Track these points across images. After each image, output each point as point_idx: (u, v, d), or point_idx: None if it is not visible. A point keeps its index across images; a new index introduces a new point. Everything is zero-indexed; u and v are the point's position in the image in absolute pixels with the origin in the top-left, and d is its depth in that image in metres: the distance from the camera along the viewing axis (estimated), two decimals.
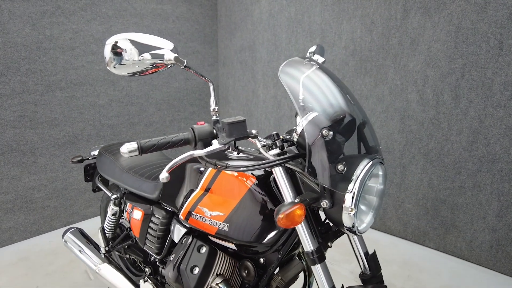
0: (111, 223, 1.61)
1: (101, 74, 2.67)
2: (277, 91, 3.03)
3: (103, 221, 1.98)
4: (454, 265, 2.16)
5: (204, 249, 1.04)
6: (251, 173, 1.00)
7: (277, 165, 0.81)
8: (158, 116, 3.13)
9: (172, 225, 1.27)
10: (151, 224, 1.34)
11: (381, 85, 2.40)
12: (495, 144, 1.99)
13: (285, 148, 0.89)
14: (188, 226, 1.18)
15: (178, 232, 1.22)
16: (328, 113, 0.80)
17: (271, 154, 0.86)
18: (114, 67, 0.85)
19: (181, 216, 1.10)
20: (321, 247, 0.85)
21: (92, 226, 2.64)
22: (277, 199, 0.97)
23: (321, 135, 0.77)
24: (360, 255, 0.97)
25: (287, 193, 0.86)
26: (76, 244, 1.72)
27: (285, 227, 0.73)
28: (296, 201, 0.78)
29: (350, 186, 0.76)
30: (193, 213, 1.05)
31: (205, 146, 0.86)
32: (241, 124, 0.85)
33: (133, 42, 0.85)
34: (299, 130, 0.84)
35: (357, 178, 0.76)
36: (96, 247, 1.73)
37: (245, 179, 0.99)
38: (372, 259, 0.96)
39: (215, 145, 0.84)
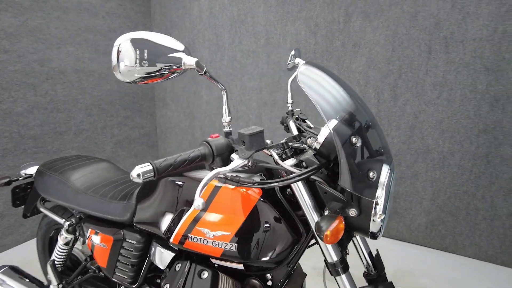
0: (63, 254, 1.38)
1: (17, 76, 2.27)
2: (221, 92, 2.95)
3: (41, 251, 1.69)
4: (399, 248, 2.39)
5: (206, 274, 0.95)
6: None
7: (307, 177, 0.77)
8: (89, 123, 2.79)
9: (152, 248, 1.14)
10: (122, 251, 1.18)
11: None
12: (428, 137, 2.25)
13: (291, 157, 0.86)
14: (177, 249, 1.07)
15: (161, 256, 1.09)
16: (351, 119, 0.79)
17: (289, 164, 0.82)
18: (120, 72, 0.71)
19: (171, 241, 0.98)
20: (344, 257, 0.84)
21: (19, 259, 2.24)
22: (286, 211, 0.93)
23: (351, 142, 0.76)
24: (365, 256, 0.99)
25: (310, 206, 0.82)
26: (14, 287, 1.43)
27: (330, 243, 0.70)
28: (326, 213, 0.76)
29: (378, 193, 0.76)
30: (190, 235, 0.94)
31: (223, 161, 0.78)
32: (260, 135, 0.79)
33: (146, 43, 0.72)
34: (321, 138, 0.81)
35: (384, 184, 0.76)
36: (40, 285, 1.46)
37: (250, 192, 0.93)
38: (377, 259, 0.99)
39: (237, 160, 0.76)
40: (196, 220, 0.94)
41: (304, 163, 0.84)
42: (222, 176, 0.81)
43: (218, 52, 2.91)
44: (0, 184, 1.43)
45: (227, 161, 0.79)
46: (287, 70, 2.57)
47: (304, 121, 1.20)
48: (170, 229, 1.00)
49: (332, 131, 0.75)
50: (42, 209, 1.44)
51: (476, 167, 2.14)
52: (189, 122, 3.21)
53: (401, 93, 2.27)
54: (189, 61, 0.78)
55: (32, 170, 1.57)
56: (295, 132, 1.11)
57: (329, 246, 0.83)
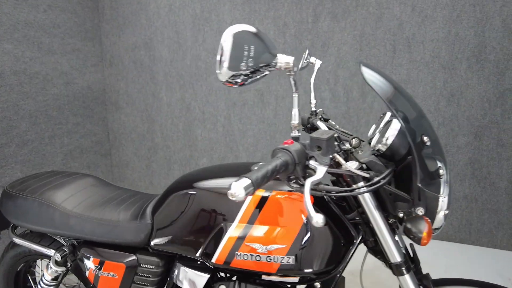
0: None
1: None
2: (185, 93, 2.81)
3: None
4: None
5: None
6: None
7: (387, 181, 0.75)
8: (34, 133, 2.43)
9: (175, 271, 1.02)
10: (136, 279, 1.04)
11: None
12: None
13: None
14: (211, 268, 0.97)
15: (191, 278, 0.98)
16: (419, 118, 0.79)
17: (353, 168, 0.79)
18: (223, 72, 0.62)
19: (213, 261, 0.89)
20: (407, 257, 0.84)
21: None
22: (336, 215, 0.90)
23: (422, 141, 0.76)
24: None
25: (377, 209, 0.81)
26: None
27: (425, 245, 0.70)
28: (401, 215, 0.76)
29: (443, 189, 0.77)
30: (238, 253, 0.86)
31: (302, 170, 0.72)
32: (333, 138, 0.74)
33: (252, 38, 0.63)
34: (390, 140, 0.79)
35: (448, 180, 0.78)
36: None
37: (302, 200, 0.88)
38: (414, 253, 1.02)
39: (320, 167, 0.71)
40: (243, 235, 0.87)
41: (364, 165, 0.82)
42: (315, 186, 0.75)
43: (179, 51, 2.75)
44: None
45: (305, 169, 0.73)
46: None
47: (326, 121, 1.18)
48: (209, 248, 0.90)
49: (406, 131, 0.74)
50: (16, 239, 1.21)
51: None
52: (147, 126, 2.99)
53: (369, 91, 2.39)
54: (286, 59, 0.71)
55: None
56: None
57: (394, 245, 0.82)
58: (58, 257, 1.09)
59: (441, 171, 0.77)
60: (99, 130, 3.01)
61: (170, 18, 2.72)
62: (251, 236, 0.85)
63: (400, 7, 2.23)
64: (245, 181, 0.58)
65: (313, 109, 1.18)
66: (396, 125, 0.77)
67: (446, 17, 2.17)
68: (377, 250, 0.91)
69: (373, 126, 0.96)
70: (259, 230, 0.86)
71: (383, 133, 0.81)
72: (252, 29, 0.69)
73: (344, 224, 0.90)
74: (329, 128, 1.14)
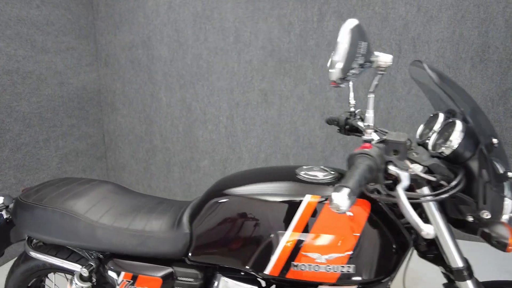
0: None
1: None
2: (185, 94, 2.73)
3: None
4: None
5: None
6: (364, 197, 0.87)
7: (464, 184, 0.73)
8: (28, 136, 2.30)
9: (215, 282, 0.97)
10: None
11: (301, 85, 2.50)
12: (400, 130, 2.42)
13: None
14: (261, 279, 0.92)
15: None
16: (483, 119, 0.78)
17: (419, 171, 0.76)
18: (337, 69, 0.59)
19: (267, 273, 0.84)
20: (469, 262, 0.82)
21: None
22: (391, 220, 0.87)
23: (491, 143, 0.74)
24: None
25: (440, 213, 0.78)
26: None
27: (510, 251, 0.68)
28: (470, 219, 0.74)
29: (507, 191, 0.76)
30: (294, 263, 0.82)
31: (383, 176, 0.69)
32: (406, 142, 0.72)
33: (365, 34, 0.59)
34: (455, 143, 0.76)
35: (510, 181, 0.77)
36: None
37: (359, 205, 0.85)
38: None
39: (403, 172, 0.68)
40: (299, 244, 0.82)
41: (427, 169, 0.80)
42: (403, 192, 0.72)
43: (180, 50, 2.67)
44: None
45: (384, 175, 0.70)
46: (257, 70, 2.47)
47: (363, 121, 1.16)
48: (259, 259, 0.86)
49: (478, 133, 0.72)
50: (33, 253, 1.12)
51: None
52: (145, 128, 2.90)
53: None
54: (385, 58, 0.67)
55: None
56: (375, 135, 1.05)
57: (456, 250, 0.80)
58: (85, 272, 1.01)
59: (509, 174, 0.76)
60: (94, 132, 2.89)
61: (170, 16, 2.63)
62: (308, 245, 0.82)
63: (405, 7, 2.24)
64: (346, 191, 0.54)
65: (352, 109, 1.15)
66: (461, 127, 0.75)
67: (451, 18, 2.19)
68: (429, 254, 0.89)
69: (421, 127, 0.94)
70: (316, 239, 0.82)
71: (444, 135, 0.79)
72: (357, 22, 0.65)
73: (396, 229, 0.87)
74: (357, 130, 1.12)
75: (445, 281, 0.95)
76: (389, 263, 0.83)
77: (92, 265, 1.02)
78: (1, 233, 1.22)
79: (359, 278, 0.81)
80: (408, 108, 2.37)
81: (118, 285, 0.99)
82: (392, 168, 0.69)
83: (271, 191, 0.89)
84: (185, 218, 0.99)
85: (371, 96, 0.76)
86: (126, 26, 2.75)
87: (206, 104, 2.71)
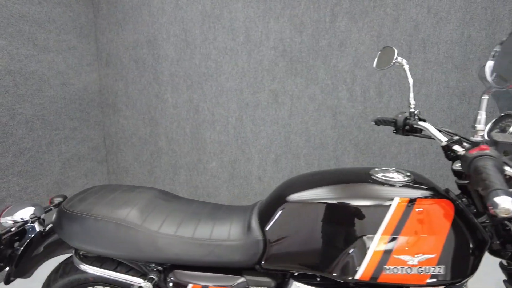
0: None
1: None
2: (193, 94, 2.66)
3: None
4: None
5: None
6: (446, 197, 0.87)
7: None
8: (31, 140, 2.17)
9: None
10: None
11: (312, 85, 2.50)
12: None
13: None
14: (340, 284, 0.90)
15: None
16: None
17: None
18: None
19: (358, 278, 0.82)
20: None
21: None
22: (470, 219, 0.88)
23: None
24: None
25: None
26: None
27: None
28: None
29: None
30: (386, 267, 0.81)
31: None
32: None
33: None
34: None
35: None
36: None
37: (443, 205, 0.85)
38: None
39: None
40: (389, 247, 0.81)
41: None
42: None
43: (187, 50, 2.60)
44: None
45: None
46: (268, 70, 2.41)
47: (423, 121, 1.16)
48: (348, 264, 0.84)
49: None
50: (85, 267, 1.04)
51: None
52: (150, 129, 2.80)
53: (385, 90, 2.43)
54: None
55: (21, 215, 1.14)
56: (442, 138, 1.04)
57: None
58: (148, 286, 0.95)
59: None
60: (95, 135, 2.77)
61: (177, 15, 2.56)
62: (399, 248, 0.81)
63: (416, 8, 2.29)
64: (503, 193, 0.53)
65: (412, 110, 1.14)
66: None
67: (459, 19, 2.26)
68: (503, 253, 0.90)
69: (488, 126, 0.95)
70: (406, 241, 0.81)
71: None
72: None
73: (474, 228, 0.88)
74: (415, 130, 1.12)
75: (504, 277, 0.97)
76: (472, 262, 0.84)
77: (154, 278, 0.96)
78: (35, 247, 1.14)
79: (447, 279, 0.81)
80: (418, 107, 2.42)
81: None
82: (508, 169, 0.69)
83: (353, 194, 0.87)
84: (254, 224, 0.95)
85: (485, 97, 0.76)
86: (130, 25, 2.65)
87: (214, 105, 2.66)
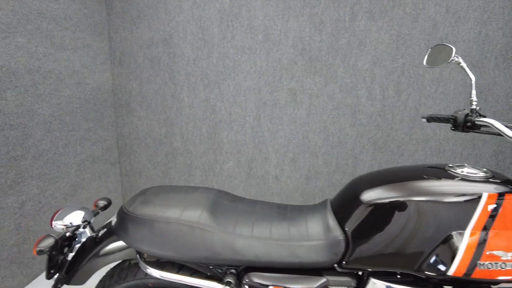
0: None
1: None
2: (210, 94, 2.63)
3: None
4: None
5: None
6: None
7: None
8: (49, 141, 2.10)
9: (368, 287, 0.93)
10: None
11: (331, 83, 2.51)
12: (427, 127, 2.50)
13: None
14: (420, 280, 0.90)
15: None
16: None
17: None
18: None
19: (451, 274, 0.82)
20: None
21: None
22: None
23: None
24: None
25: None
26: None
27: None
28: None
29: None
30: (479, 263, 0.81)
31: None
32: None
33: None
34: None
35: None
36: None
37: None
38: None
39: None
40: (481, 243, 0.81)
41: None
42: None
43: (204, 48, 2.57)
44: (45, 251, 0.97)
45: None
46: (286, 68, 2.40)
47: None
48: (441, 260, 0.83)
49: None
50: (156, 272, 1.00)
51: (466, 150, 2.50)
52: (165, 130, 2.75)
53: (403, 89, 2.46)
54: None
55: (71, 219, 1.11)
56: (510, 133, 1.05)
57: None
58: None
59: None
60: (108, 136, 2.70)
61: (194, 13, 2.52)
62: (492, 243, 0.81)
63: (435, 8, 2.32)
64: None
65: (474, 106, 1.15)
66: None
67: (477, 19, 2.30)
68: None
69: None
70: (498, 236, 0.81)
71: None
72: None
73: None
74: (475, 127, 1.13)
75: None
76: None
77: (231, 282, 0.94)
78: (88, 253, 1.09)
79: None
80: (435, 105, 2.45)
81: None
82: None
83: (441, 191, 0.87)
84: (333, 224, 0.94)
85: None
86: (145, 23, 2.59)
87: (231, 104, 2.63)
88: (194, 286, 0.99)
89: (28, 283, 1.98)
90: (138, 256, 1.04)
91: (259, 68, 2.54)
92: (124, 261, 1.17)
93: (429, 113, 1.36)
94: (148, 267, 1.00)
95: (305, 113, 2.57)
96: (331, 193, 2.71)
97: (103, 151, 2.63)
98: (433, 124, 2.48)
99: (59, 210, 1.12)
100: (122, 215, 1.00)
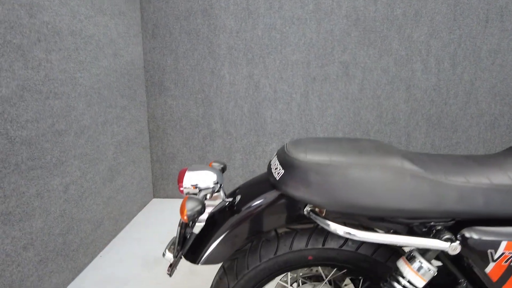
0: None
1: None
2: (253, 69, 2.42)
3: None
4: None
5: None
6: None
7: None
8: (89, 117, 1.82)
9: None
10: None
11: (385, 56, 2.37)
12: (482, 101, 2.41)
13: None
14: None
15: None
16: None
17: None
18: None
19: None
20: None
21: None
22: None
23: None
24: None
25: None
26: None
27: None
28: None
29: None
30: None
31: None
32: None
33: None
34: None
35: None
36: None
37: None
38: None
39: None
40: None
41: None
42: None
43: (249, 20, 2.36)
44: (195, 216, 0.77)
45: None
46: (338, 40, 2.21)
47: None
48: None
49: None
50: (352, 231, 0.78)
51: None
52: (203, 110, 2.52)
53: (459, 61, 2.36)
54: None
55: (201, 181, 0.90)
56: None
57: None
58: (454, 248, 0.73)
59: None
60: (140, 117, 2.43)
61: None
62: None
63: None
64: None
65: None
66: None
67: None
68: None
69: None
70: None
71: None
72: None
73: None
74: None
75: None
76: None
77: (451, 239, 0.75)
78: (219, 221, 0.88)
79: None
80: (492, 78, 2.37)
81: (494, 260, 0.74)
82: None
83: None
84: None
85: None
86: None
87: (277, 81, 2.44)
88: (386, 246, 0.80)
89: (73, 279, 1.70)
90: (312, 213, 0.83)
91: (308, 40, 2.37)
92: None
93: None
94: (332, 222, 0.79)
95: (358, 88, 2.42)
96: None
97: (136, 134, 2.37)
98: (488, 97, 2.39)
99: (184, 170, 0.90)
100: (295, 166, 0.79)
